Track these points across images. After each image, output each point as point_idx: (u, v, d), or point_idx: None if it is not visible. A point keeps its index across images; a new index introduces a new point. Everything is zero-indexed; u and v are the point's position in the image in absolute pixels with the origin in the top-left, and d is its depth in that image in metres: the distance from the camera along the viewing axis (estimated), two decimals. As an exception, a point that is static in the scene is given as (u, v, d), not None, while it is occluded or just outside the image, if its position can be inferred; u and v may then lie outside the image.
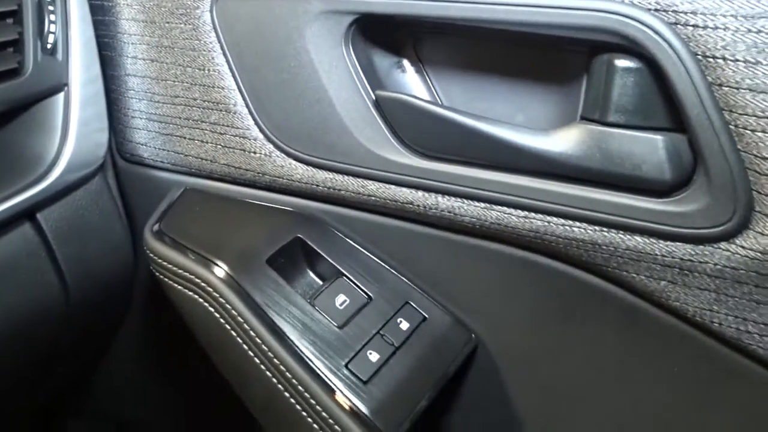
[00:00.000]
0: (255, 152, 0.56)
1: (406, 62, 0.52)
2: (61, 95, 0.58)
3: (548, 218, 0.45)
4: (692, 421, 0.47)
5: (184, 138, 0.59)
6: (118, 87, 0.61)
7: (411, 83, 0.51)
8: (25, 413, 0.80)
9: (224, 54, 0.54)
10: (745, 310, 0.41)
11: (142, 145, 0.62)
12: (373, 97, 0.50)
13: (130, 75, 0.60)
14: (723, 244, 0.40)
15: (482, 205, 0.48)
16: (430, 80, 0.51)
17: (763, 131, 0.37)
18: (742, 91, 0.37)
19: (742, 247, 0.40)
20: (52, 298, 0.60)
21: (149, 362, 0.74)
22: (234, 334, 0.49)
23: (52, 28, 0.57)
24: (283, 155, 0.55)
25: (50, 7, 0.57)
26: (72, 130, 0.58)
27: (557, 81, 0.46)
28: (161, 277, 0.54)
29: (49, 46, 0.57)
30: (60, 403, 0.84)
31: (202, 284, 0.50)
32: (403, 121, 0.50)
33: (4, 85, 0.54)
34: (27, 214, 0.57)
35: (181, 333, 0.60)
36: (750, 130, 0.37)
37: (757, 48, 0.36)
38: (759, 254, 0.39)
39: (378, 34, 0.51)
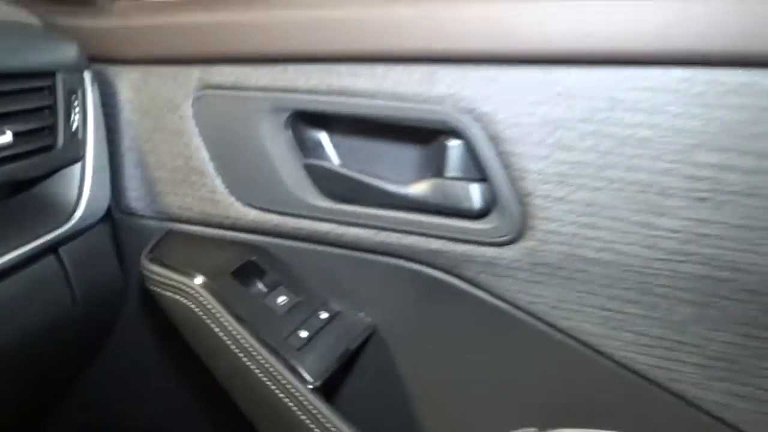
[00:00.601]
0: (221, 202, 0.80)
1: (325, 138, 0.78)
2: (79, 164, 0.82)
3: (414, 237, 0.72)
4: (497, 370, 0.73)
5: (169, 194, 0.83)
6: (120, 158, 0.85)
7: (328, 152, 0.78)
8: (18, 420, 0.99)
9: (201, 135, 0.80)
10: (530, 287, 0.68)
11: (135, 200, 0.85)
12: (304, 163, 0.77)
13: (129, 150, 0.84)
14: (511, 246, 0.67)
15: (373, 231, 0.74)
16: (339, 149, 0.78)
17: (524, 179, 0.65)
18: (514, 156, 0.65)
19: (521, 247, 0.67)
20: (65, 308, 0.82)
21: (133, 368, 0.95)
22: (210, 322, 0.73)
23: (75, 117, 0.81)
24: (240, 204, 0.80)
25: (75, 103, 0.81)
26: (86, 189, 0.81)
27: (418, 150, 0.74)
28: (154, 288, 0.77)
29: (73, 129, 0.81)
30: (48, 410, 1.02)
31: (187, 289, 0.74)
32: (323, 179, 0.76)
33: (43, 156, 0.78)
34: (52, 248, 0.80)
35: (163, 337, 0.82)
36: (519, 180, 0.65)
37: (518, 132, 0.64)
38: (529, 251, 0.66)
39: (307, 120, 0.77)
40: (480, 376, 0.75)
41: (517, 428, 0.65)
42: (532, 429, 0.66)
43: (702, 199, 0.59)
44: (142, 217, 0.86)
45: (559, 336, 0.68)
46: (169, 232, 0.84)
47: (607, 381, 0.68)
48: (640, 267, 0.63)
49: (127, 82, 0.83)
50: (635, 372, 0.67)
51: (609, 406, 0.69)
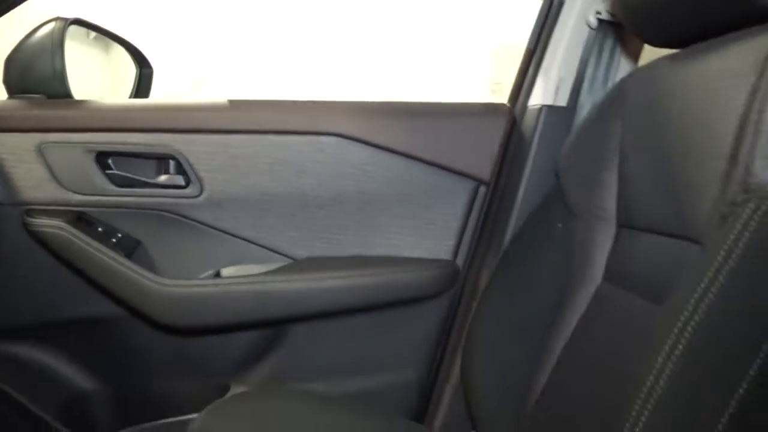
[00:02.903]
0: (59, 192, 1.77)
1: (113, 160, 1.83)
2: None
3: (159, 198, 1.80)
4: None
5: (27, 190, 1.76)
6: None
7: (114, 166, 1.83)
8: None
9: (45, 164, 1.76)
10: (207, 213, 1.85)
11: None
12: (105, 172, 1.80)
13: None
14: (198, 197, 1.79)
15: (139, 198, 1.81)
16: (122, 164, 1.84)
17: (200, 173, 1.82)
18: (195, 165, 1.81)
19: (203, 198, 1.82)
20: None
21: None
22: (76, 239, 1.69)
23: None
24: (72, 192, 1.76)
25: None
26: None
27: (158, 163, 1.84)
28: (38, 230, 1.70)
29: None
30: None
31: (60, 224, 1.69)
32: (115, 178, 1.80)
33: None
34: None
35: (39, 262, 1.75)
36: (199, 174, 1.82)
37: (197, 157, 1.81)
38: (206, 198, 1.82)
39: (105, 155, 1.80)
40: (197, 255, 1.87)
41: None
42: (211, 269, 1.85)
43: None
44: (5, 204, 1.76)
45: (226, 235, 1.86)
46: (31, 208, 1.76)
47: (251, 253, 1.88)
48: (260, 209, 1.86)
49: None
50: (273, 250, 1.87)
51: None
